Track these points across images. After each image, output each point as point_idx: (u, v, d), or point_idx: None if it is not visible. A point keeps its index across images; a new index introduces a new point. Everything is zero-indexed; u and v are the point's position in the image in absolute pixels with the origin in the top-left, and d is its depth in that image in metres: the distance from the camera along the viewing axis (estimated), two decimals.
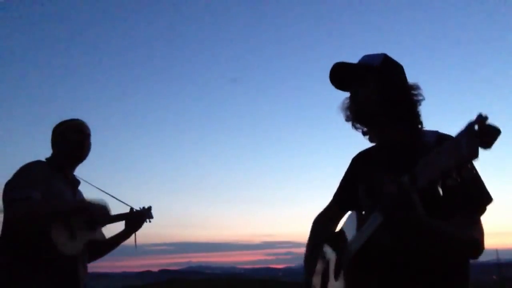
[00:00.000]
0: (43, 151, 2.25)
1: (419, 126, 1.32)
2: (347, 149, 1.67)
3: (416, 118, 1.32)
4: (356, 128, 1.43)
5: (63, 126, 2.21)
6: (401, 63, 1.41)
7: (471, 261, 1.26)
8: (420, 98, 1.32)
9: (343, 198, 1.54)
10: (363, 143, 1.49)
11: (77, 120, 2.26)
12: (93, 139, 2.25)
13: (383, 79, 1.33)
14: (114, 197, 2.34)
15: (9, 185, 1.95)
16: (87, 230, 2.07)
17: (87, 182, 2.27)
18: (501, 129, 0.78)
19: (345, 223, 1.42)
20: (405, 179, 0.99)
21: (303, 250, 1.62)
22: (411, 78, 1.37)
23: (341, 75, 1.40)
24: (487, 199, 1.20)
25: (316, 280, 1.49)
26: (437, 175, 0.86)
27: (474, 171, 1.12)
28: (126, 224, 2.29)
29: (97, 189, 2.31)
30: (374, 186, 1.29)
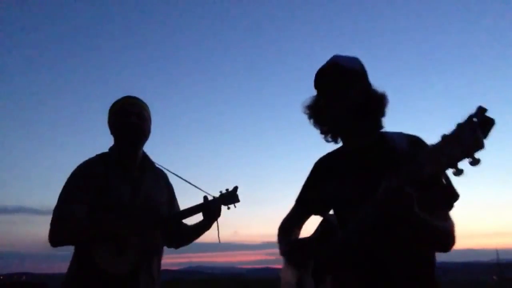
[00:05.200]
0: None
1: (382, 129, 1.38)
2: None
3: (381, 122, 1.37)
4: (318, 127, 1.44)
5: (110, 110, 2.01)
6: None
7: (472, 260, 1.29)
8: (387, 104, 1.37)
9: (308, 202, 1.56)
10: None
11: (123, 99, 2.00)
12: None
13: (365, 83, 1.37)
14: (191, 183, 2.09)
15: (58, 198, 1.87)
16: (141, 239, 1.84)
17: (160, 166, 2.09)
18: (500, 133, 0.87)
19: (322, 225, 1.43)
20: (406, 173, 1.03)
21: None
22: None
23: (327, 75, 1.38)
24: (457, 196, 1.28)
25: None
26: (443, 166, 0.92)
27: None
28: (203, 215, 2.01)
29: (173, 174, 2.12)
30: (345, 188, 1.35)
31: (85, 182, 1.86)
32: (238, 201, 2.07)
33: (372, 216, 1.14)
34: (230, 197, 2.05)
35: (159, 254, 2.00)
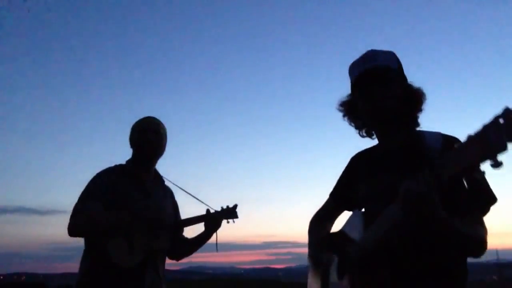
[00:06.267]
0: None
1: (419, 127, 1.34)
2: (349, 149, 1.63)
3: (417, 120, 1.33)
4: (352, 122, 1.42)
5: (132, 127, 2.23)
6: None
7: (472, 260, 1.26)
8: (425, 102, 1.32)
9: (341, 197, 1.52)
10: (364, 143, 1.47)
11: (143, 118, 2.22)
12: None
13: (402, 80, 1.34)
14: (196, 198, 2.29)
15: (77, 199, 2.06)
16: (150, 239, 2.02)
17: (169, 181, 2.29)
18: None
19: (348, 222, 1.39)
20: (427, 174, 0.99)
21: (303, 250, 1.59)
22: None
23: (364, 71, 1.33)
24: (493, 199, 1.21)
25: (315, 284, 1.46)
26: (463, 168, 0.88)
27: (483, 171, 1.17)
28: (205, 226, 2.21)
29: (180, 189, 2.30)
30: (377, 187, 1.30)
31: (101, 185, 2.06)
32: (236, 217, 2.26)
33: (396, 215, 1.10)
34: (230, 213, 2.24)
35: (164, 254, 2.17)
